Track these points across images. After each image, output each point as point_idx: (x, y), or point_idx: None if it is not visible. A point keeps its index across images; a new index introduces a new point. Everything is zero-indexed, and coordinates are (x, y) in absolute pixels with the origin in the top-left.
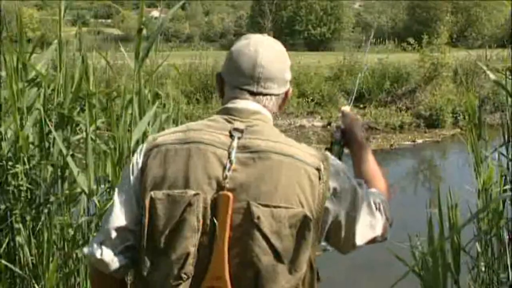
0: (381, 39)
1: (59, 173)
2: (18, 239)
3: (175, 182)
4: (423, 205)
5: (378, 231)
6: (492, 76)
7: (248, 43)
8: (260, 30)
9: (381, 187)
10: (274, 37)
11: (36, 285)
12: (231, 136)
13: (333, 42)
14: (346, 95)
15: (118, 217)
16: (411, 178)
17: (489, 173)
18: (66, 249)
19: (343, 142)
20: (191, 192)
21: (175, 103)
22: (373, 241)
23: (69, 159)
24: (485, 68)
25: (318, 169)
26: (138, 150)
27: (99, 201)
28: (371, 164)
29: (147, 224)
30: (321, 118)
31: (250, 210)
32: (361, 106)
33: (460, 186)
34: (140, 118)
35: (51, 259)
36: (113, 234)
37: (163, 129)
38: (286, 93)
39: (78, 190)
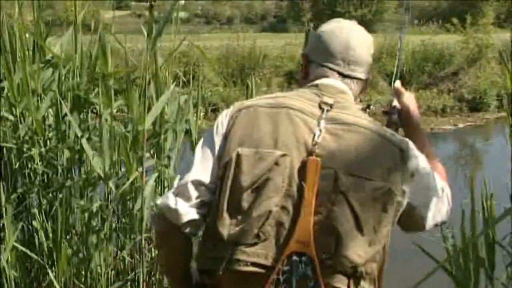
0: (424, 20)
1: (76, 157)
2: (34, 223)
3: (263, 141)
4: (460, 194)
5: (445, 216)
6: None
7: (340, 26)
8: (300, 12)
9: (441, 171)
10: (314, 19)
11: (50, 271)
12: (320, 108)
13: (375, 23)
14: (386, 77)
15: (197, 172)
16: (451, 163)
17: None
18: (83, 234)
19: (400, 123)
20: (279, 152)
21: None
22: (436, 224)
23: (83, 142)
24: None
25: (402, 150)
26: (224, 113)
27: (117, 186)
28: (428, 147)
29: (231, 179)
30: (360, 101)
31: (338, 178)
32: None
33: (502, 173)
34: (157, 100)
35: (65, 245)
36: (190, 187)
37: (182, 110)
38: (367, 81)
39: (96, 174)
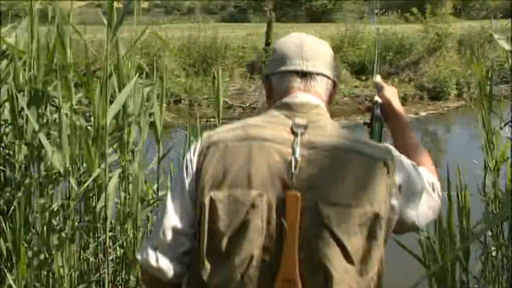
0: (383, 10)
1: (35, 153)
2: None
3: (236, 181)
4: None
5: (437, 212)
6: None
7: (291, 35)
8: (261, 1)
9: (428, 163)
10: (275, 9)
11: (8, 274)
12: (293, 132)
13: (335, 13)
14: (348, 66)
15: (172, 220)
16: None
17: (503, 149)
18: (43, 234)
19: (384, 117)
20: (254, 192)
21: (172, 76)
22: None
23: (41, 136)
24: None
25: (386, 163)
26: (192, 149)
27: (79, 182)
28: (413, 138)
29: (207, 226)
30: None
31: (319, 210)
32: (363, 78)
33: (467, 163)
34: (119, 92)
35: (25, 246)
36: (168, 238)
37: (147, 101)
38: (334, 84)
39: (56, 170)
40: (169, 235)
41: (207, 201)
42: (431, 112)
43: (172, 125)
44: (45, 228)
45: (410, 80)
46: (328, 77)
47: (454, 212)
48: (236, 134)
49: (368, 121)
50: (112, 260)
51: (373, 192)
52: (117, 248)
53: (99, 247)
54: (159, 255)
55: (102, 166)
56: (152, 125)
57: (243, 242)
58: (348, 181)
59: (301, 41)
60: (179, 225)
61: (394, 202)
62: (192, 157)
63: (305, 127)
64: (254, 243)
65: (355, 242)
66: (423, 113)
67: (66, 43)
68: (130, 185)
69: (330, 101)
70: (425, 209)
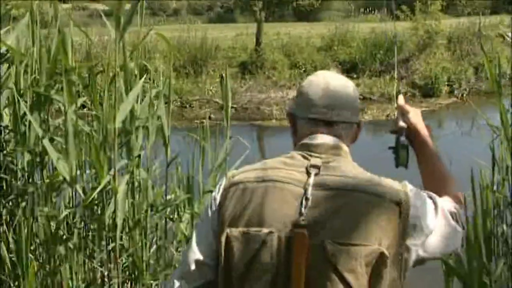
0: (372, 9)
1: (38, 160)
2: None
3: (251, 220)
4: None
5: (457, 243)
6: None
7: (316, 75)
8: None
9: (452, 191)
10: (262, 8)
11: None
12: (308, 173)
13: (322, 12)
14: (339, 65)
15: (196, 252)
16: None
17: None
18: (48, 244)
19: (409, 143)
20: (265, 230)
21: (165, 77)
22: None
23: (46, 143)
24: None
25: (399, 204)
26: (217, 186)
27: (83, 189)
28: (438, 164)
29: (223, 261)
30: None
31: (325, 248)
32: (355, 76)
33: (468, 159)
34: (126, 95)
35: (31, 257)
36: (192, 269)
37: (153, 105)
38: (359, 124)
39: (60, 178)
40: (193, 265)
41: (223, 238)
42: (424, 109)
43: None
44: (50, 238)
45: (401, 78)
46: (353, 123)
47: (479, 216)
48: (256, 174)
49: (393, 145)
50: (120, 269)
51: (382, 232)
52: (125, 257)
53: (107, 257)
54: (184, 283)
55: (111, 172)
56: (158, 128)
57: (254, 279)
58: (355, 220)
59: (327, 86)
60: (201, 256)
61: (410, 242)
62: (216, 196)
63: (319, 167)
64: (263, 280)
65: (360, 280)
66: None
67: (68, 46)
68: (138, 191)
69: (354, 140)
70: (445, 243)
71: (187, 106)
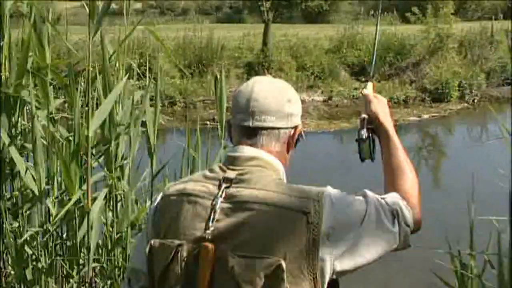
0: (382, 11)
1: (7, 170)
2: None
3: (167, 231)
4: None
5: (391, 245)
6: None
7: (247, 82)
8: (257, 1)
9: (406, 183)
10: (270, 9)
11: None
12: (220, 186)
13: (331, 14)
14: (347, 68)
15: (133, 259)
16: (419, 159)
17: None
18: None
19: (372, 136)
20: (177, 241)
21: (167, 77)
22: (392, 250)
23: (13, 151)
24: None
25: (306, 214)
26: (154, 198)
27: (53, 204)
28: (396, 155)
29: (147, 270)
30: (322, 92)
31: (227, 261)
32: (363, 79)
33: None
34: (105, 97)
35: None
36: (132, 274)
37: (135, 110)
38: (294, 129)
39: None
40: (132, 271)
41: (147, 248)
42: (434, 114)
43: (166, 128)
44: (18, 257)
45: (411, 82)
46: (280, 128)
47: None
48: (178, 188)
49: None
50: None
51: (286, 244)
52: (103, 281)
53: (82, 280)
54: (128, 286)
55: (83, 187)
56: (144, 134)
57: (167, 286)
58: (257, 233)
59: (251, 91)
60: (137, 264)
61: (324, 252)
62: (152, 207)
63: (232, 180)
64: None
65: None
66: (425, 116)
67: (44, 42)
68: (119, 207)
69: (290, 145)
70: (375, 247)
71: (191, 107)
